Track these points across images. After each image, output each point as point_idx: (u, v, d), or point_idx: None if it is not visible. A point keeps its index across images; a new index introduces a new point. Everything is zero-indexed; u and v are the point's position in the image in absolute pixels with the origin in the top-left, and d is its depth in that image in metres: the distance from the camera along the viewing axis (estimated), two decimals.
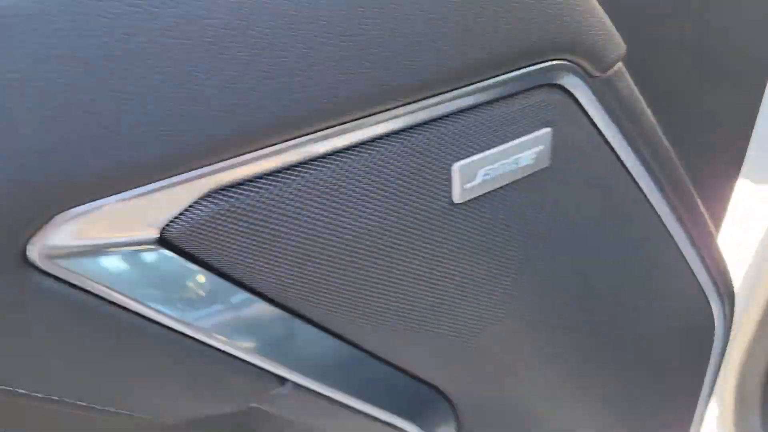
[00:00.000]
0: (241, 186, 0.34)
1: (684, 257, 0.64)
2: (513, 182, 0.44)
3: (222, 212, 0.33)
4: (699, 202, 0.63)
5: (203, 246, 0.34)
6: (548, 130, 0.43)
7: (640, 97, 0.49)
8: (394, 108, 0.36)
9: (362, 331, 0.42)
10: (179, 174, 0.31)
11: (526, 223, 0.46)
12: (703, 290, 0.71)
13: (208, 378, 0.38)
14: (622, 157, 0.50)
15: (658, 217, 0.58)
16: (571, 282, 0.53)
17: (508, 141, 0.42)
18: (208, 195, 0.33)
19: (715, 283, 0.72)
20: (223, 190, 0.33)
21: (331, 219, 0.37)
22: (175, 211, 0.32)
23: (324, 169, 0.35)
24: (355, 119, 0.35)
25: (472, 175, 0.41)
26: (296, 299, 0.38)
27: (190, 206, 0.32)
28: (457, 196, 0.41)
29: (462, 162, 0.40)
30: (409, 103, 0.36)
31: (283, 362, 0.40)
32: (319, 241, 0.37)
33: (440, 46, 0.35)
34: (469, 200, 0.42)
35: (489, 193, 0.43)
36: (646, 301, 0.65)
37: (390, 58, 0.34)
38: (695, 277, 0.68)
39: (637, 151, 0.51)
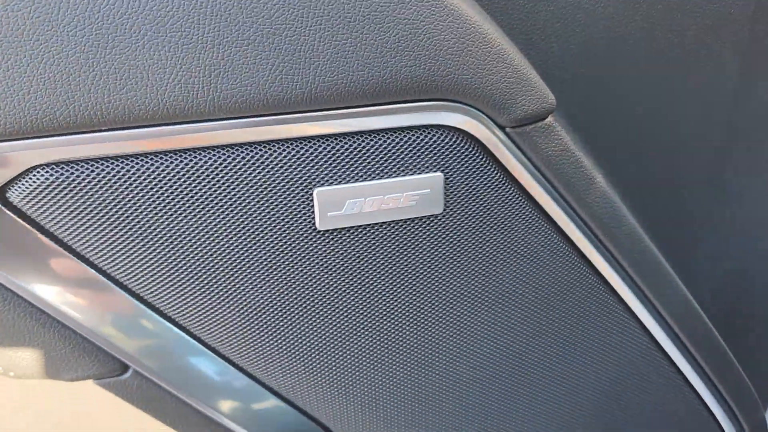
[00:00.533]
0: (92, 162, 0.36)
1: (669, 359, 0.55)
2: (394, 221, 0.41)
3: (68, 183, 0.36)
4: (694, 303, 0.54)
5: (46, 214, 0.36)
6: (439, 174, 0.41)
7: (582, 162, 0.44)
8: (249, 117, 0.36)
9: (219, 336, 0.42)
10: (23, 138, 0.34)
11: (410, 266, 0.43)
12: (708, 410, 0.60)
13: (41, 344, 0.40)
14: (559, 223, 0.46)
15: (621, 303, 0.51)
16: (483, 345, 0.49)
17: (383, 177, 0.40)
18: (55, 164, 0.35)
19: (726, 405, 0.61)
20: (73, 162, 0.35)
21: (182, 213, 0.38)
22: (14, 172, 0.35)
23: (173, 163, 0.37)
24: (207, 120, 0.36)
25: (338, 203, 0.40)
26: (142, 287, 0.40)
27: (31, 170, 0.35)
28: (319, 223, 0.40)
29: (325, 188, 0.39)
30: (264, 116, 0.37)
31: (124, 349, 0.42)
32: (170, 233, 0.38)
33: (305, 62, 0.35)
34: (336, 229, 0.41)
35: (365, 226, 0.41)
36: (615, 397, 0.57)
37: (245, 67, 0.35)
38: (692, 390, 0.58)
39: (577, 220, 0.46)
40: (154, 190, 0.37)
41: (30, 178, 0.35)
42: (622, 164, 0.57)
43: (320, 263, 0.41)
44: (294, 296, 0.42)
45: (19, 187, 0.35)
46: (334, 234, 0.41)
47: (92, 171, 0.36)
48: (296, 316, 0.43)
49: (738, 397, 0.61)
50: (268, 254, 0.40)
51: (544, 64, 0.52)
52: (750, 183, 0.59)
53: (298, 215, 0.39)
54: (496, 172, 0.42)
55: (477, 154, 0.41)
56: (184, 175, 0.37)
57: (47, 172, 0.35)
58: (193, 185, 0.37)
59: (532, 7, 0.49)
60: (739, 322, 0.68)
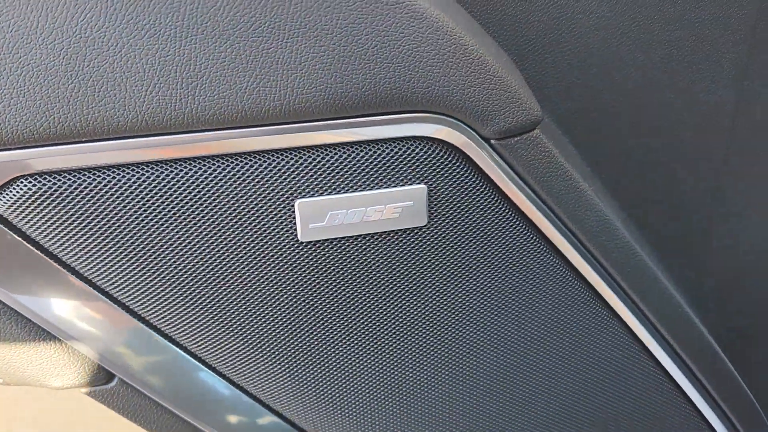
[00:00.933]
0: (74, 173, 0.36)
1: (667, 375, 0.54)
2: (377, 233, 0.41)
3: (51, 193, 0.36)
4: (693, 317, 0.53)
5: (31, 224, 0.37)
6: (422, 186, 0.40)
7: (570, 174, 0.44)
8: (228, 129, 0.37)
9: (204, 346, 0.43)
10: (5, 149, 0.35)
11: (394, 278, 0.43)
12: (710, 427, 0.59)
13: (28, 352, 0.41)
14: (548, 236, 0.45)
15: (616, 317, 0.50)
16: (471, 356, 0.48)
17: (365, 189, 0.40)
18: (38, 174, 0.36)
19: (729, 422, 0.59)
20: (55, 173, 0.36)
21: (160, 225, 0.38)
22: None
23: (153, 175, 0.37)
24: (186, 132, 0.36)
25: (320, 215, 0.40)
26: (125, 296, 0.40)
27: (14, 181, 0.36)
28: (301, 234, 0.40)
29: (306, 199, 0.39)
30: (243, 128, 0.37)
31: (108, 358, 0.42)
32: (150, 244, 0.38)
33: (283, 75, 0.35)
34: (319, 241, 0.40)
35: (347, 238, 0.41)
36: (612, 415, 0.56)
37: (222, 80, 0.35)
38: (694, 407, 0.57)
39: (567, 233, 0.45)
40: (134, 201, 0.37)
41: (14, 189, 0.36)
42: (621, 175, 0.56)
43: (303, 275, 0.41)
44: (278, 307, 0.42)
45: (4, 197, 0.36)
46: (317, 245, 0.41)
47: (74, 181, 0.36)
48: (281, 327, 0.43)
49: (741, 413, 0.60)
50: (250, 266, 0.40)
51: (538, 75, 0.52)
52: (751, 192, 0.58)
53: (280, 227, 0.39)
54: (481, 184, 0.42)
55: (461, 167, 0.41)
56: (163, 187, 0.37)
57: (30, 182, 0.36)
58: (171, 197, 0.37)
59: (525, 19, 0.49)
60: (744, 334, 0.66)
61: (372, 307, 0.44)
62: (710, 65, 0.52)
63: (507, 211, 0.43)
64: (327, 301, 0.42)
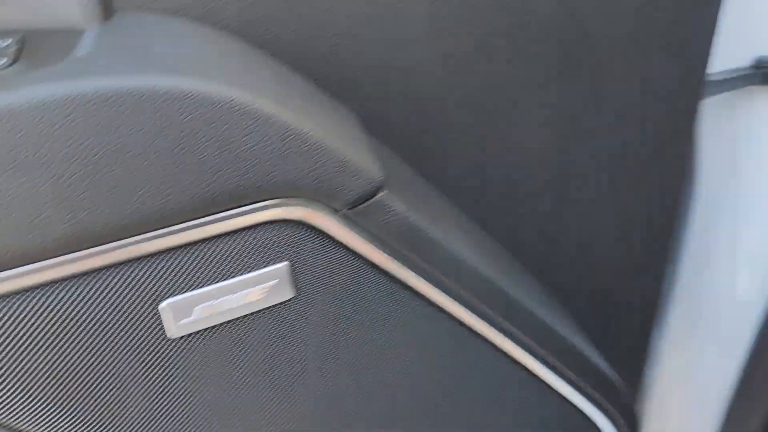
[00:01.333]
0: None
1: (535, 376, 0.61)
2: (251, 314, 0.43)
3: None
4: (543, 319, 0.60)
5: None
6: (285, 264, 0.43)
7: (419, 225, 0.47)
8: (89, 247, 0.37)
9: None
10: None
11: (276, 351, 0.45)
12: (582, 414, 0.67)
13: None
14: (409, 282, 0.49)
15: (474, 333, 0.55)
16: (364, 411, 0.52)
17: (229, 278, 0.41)
18: None
19: (598, 404, 0.67)
20: None
21: (28, 349, 0.38)
22: None
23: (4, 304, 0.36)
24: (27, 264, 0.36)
25: (187, 311, 0.41)
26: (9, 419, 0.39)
27: None
28: (173, 332, 0.41)
29: (171, 300, 0.40)
30: (103, 244, 0.37)
31: None
32: (23, 367, 0.38)
33: (130, 189, 0.36)
34: (193, 333, 0.42)
35: (223, 325, 0.42)
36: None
37: (80, 200, 0.35)
38: (562, 397, 0.64)
39: (425, 275, 0.49)
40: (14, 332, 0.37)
41: None
42: (465, 192, 0.60)
43: (181, 368, 0.42)
44: (163, 405, 0.43)
45: None
46: (189, 338, 0.42)
47: None
48: (172, 424, 0.44)
49: (604, 390, 0.68)
50: (123, 373, 0.41)
51: (376, 116, 0.54)
52: (592, 187, 0.64)
53: (147, 331, 0.40)
54: (339, 251, 0.45)
55: (318, 239, 0.44)
56: (19, 315, 0.37)
57: None
58: (30, 325, 0.37)
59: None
60: (602, 313, 0.75)
61: (257, 383, 0.45)
62: (527, 69, 0.56)
63: (368, 270, 0.46)
64: (211, 387, 0.44)
